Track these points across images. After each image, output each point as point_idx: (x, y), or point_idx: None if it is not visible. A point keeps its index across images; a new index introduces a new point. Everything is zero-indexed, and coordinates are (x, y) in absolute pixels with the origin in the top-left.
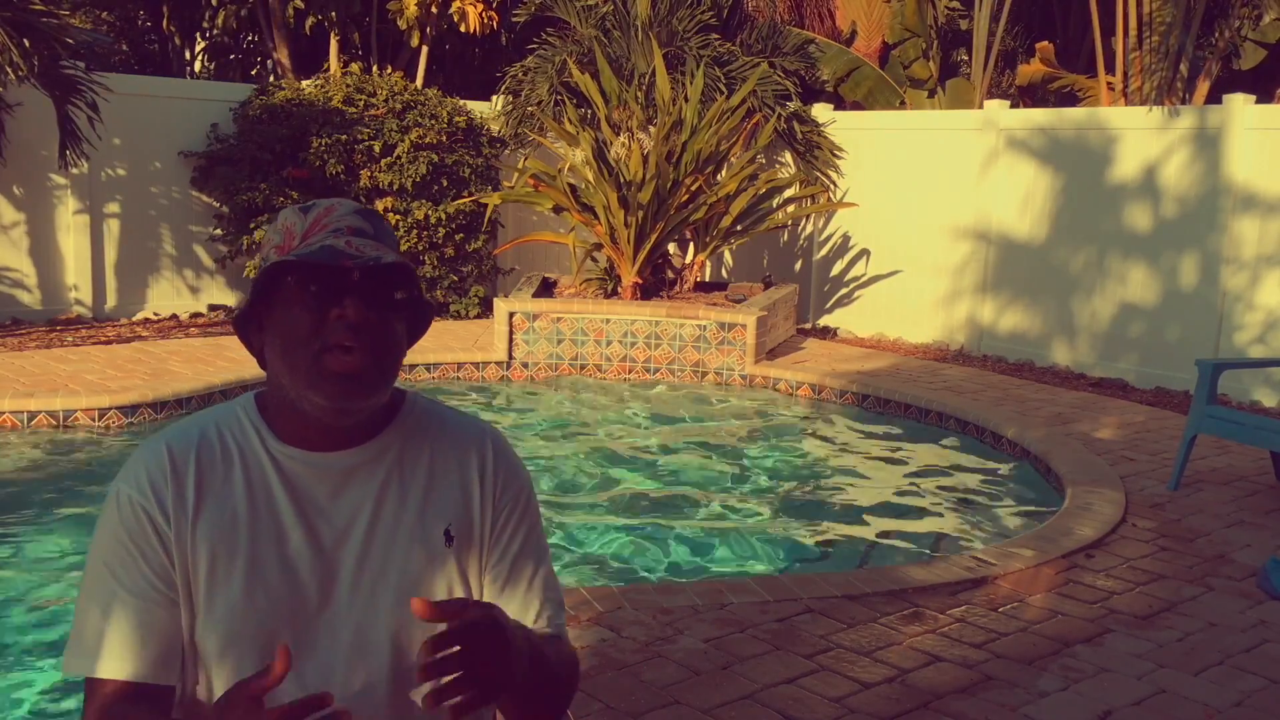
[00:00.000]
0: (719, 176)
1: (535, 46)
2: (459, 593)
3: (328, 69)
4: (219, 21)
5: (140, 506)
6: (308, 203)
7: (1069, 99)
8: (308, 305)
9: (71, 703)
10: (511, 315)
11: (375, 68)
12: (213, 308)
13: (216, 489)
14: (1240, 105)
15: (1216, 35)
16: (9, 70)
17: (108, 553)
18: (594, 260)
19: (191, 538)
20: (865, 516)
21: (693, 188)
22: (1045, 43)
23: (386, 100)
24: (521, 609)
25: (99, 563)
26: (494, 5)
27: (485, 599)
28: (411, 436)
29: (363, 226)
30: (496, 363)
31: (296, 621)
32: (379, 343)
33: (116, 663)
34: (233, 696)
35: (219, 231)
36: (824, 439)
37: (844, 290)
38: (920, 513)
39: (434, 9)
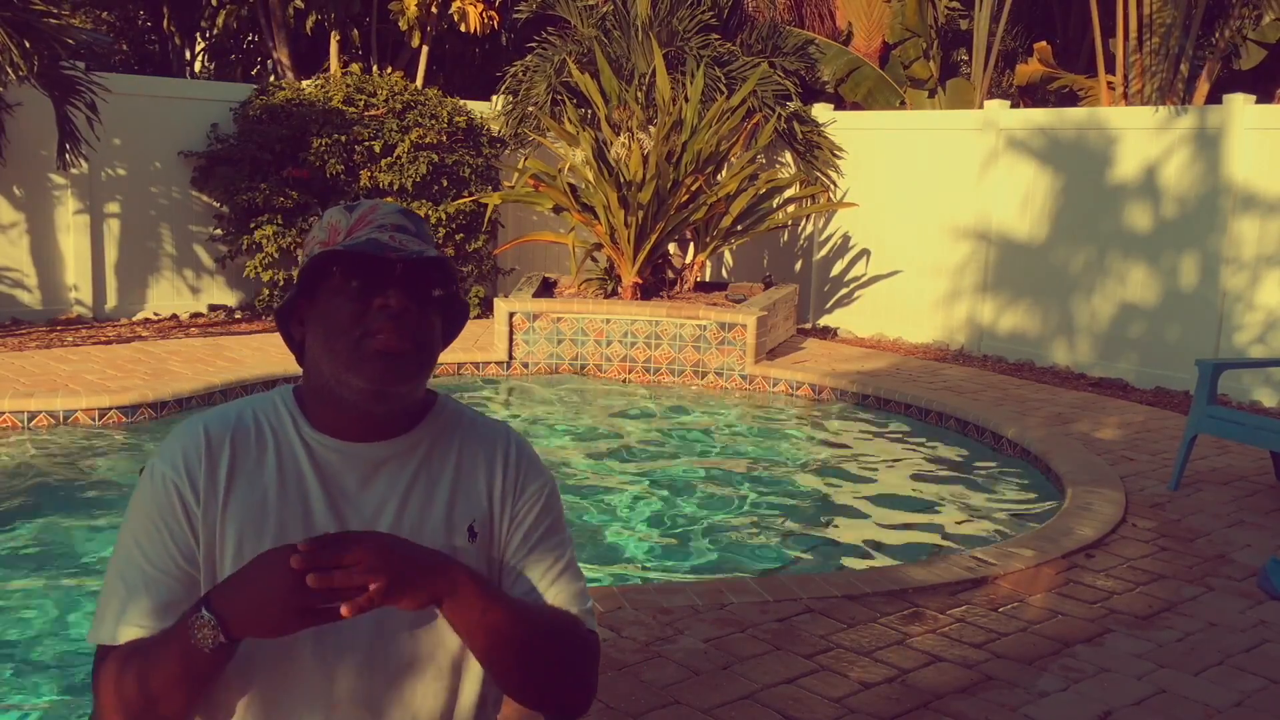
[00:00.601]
0: (719, 176)
1: (535, 46)
2: None
3: (328, 69)
4: (219, 21)
5: (172, 484)
6: (352, 201)
7: (1069, 99)
8: (352, 294)
9: (75, 703)
10: (512, 315)
11: (375, 68)
12: (213, 308)
13: (249, 471)
14: (1240, 105)
15: (1216, 35)
16: (9, 70)
17: (137, 527)
18: (594, 260)
19: (221, 518)
20: (865, 516)
21: (693, 188)
22: (1043, 43)
23: (386, 100)
24: (539, 603)
25: (129, 536)
26: (494, 5)
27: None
28: (441, 434)
29: (405, 224)
30: (497, 362)
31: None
32: (419, 332)
33: (135, 632)
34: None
35: (219, 231)
36: (824, 439)
37: (844, 290)
38: (920, 513)
39: (434, 9)
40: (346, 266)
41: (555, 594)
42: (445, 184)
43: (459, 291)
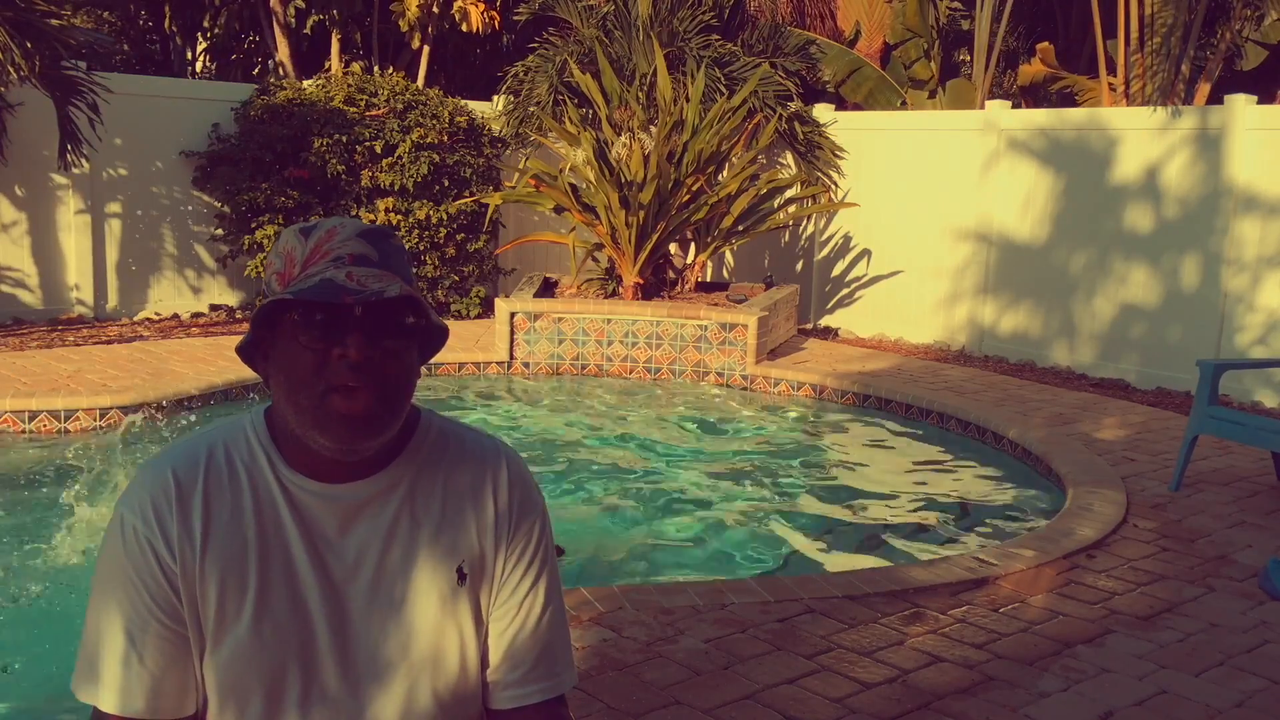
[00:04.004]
0: (720, 177)
1: (536, 46)
2: (470, 632)
3: (329, 69)
4: (220, 21)
5: (144, 537)
6: (310, 223)
7: (1070, 100)
8: (308, 344)
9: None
10: (513, 315)
11: (376, 68)
12: (214, 307)
13: (225, 518)
14: (1242, 106)
15: (1218, 36)
16: (10, 70)
17: (112, 581)
18: (595, 260)
19: (199, 571)
20: (866, 517)
21: (694, 188)
22: (1046, 43)
23: (388, 100)
24: (522, 656)
25: (105, 589)
26: (495, 5)
27: (490, 638)
28: (425, 466)
29: (366, 253)
30: (498, 363)
31: (305, 657)
32: (385, 380)
33: (125, 699)
34: None
35: (220, 231)
36: (825, 439)
37: (845, 291)
38: (921, 513)
39: (435, 9)
40: (300, 313)
41: (539, 637)
42: (446, 184)
43: (431, 318)
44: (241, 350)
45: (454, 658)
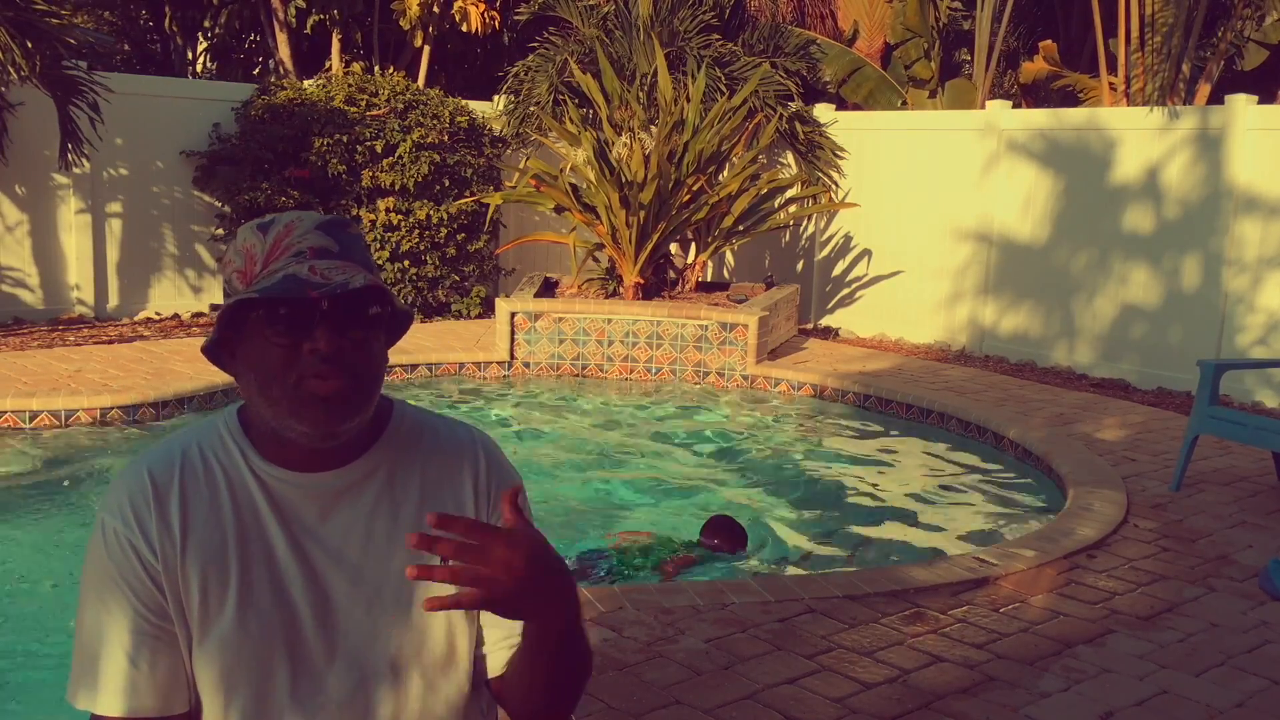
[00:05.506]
0: (721, 176)
1: (537, 46)
2: (456, 612)
3: (330, 69)
4: (221, 21)
5: (125, 539)
6: (266, 219)
7: (1071, 99)
8: (277, 340)
9: None
10: (513, 315)
11: (377, 67)
12: (215, 307)
13: (203, 514)
14: (1242, 106)
15: (1218, 36)
16: (11, 70)
17: (98, 585)
18: (595, 260)
19: (181, 566)
20: (867, 517)
21: (694, 188)
22: (1047, 41)
23: (388, 100)
24: (514, 623)
25: (91, 594)
26: (495, 4)
27: (483, 614)
28: (401, 452)
29: (326, 245)
30: (498, 362)
31: (291, 646)
32: (355, 368)
33: (119, 699)
34: None
35: (221, 231)
36: (825, 439)
37: (845, 291)
38: (922, 513)
39: (436, 8)
40: (266, 310)
41: None
42: (447, 184)
43: (396, 305)
44: (207, 350)
45: (441, 638)
